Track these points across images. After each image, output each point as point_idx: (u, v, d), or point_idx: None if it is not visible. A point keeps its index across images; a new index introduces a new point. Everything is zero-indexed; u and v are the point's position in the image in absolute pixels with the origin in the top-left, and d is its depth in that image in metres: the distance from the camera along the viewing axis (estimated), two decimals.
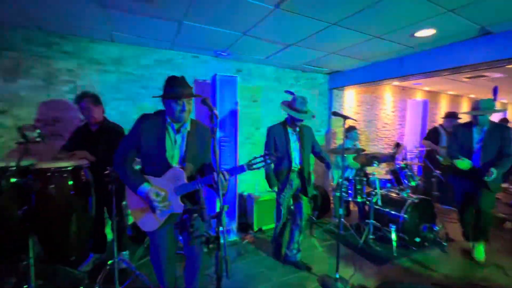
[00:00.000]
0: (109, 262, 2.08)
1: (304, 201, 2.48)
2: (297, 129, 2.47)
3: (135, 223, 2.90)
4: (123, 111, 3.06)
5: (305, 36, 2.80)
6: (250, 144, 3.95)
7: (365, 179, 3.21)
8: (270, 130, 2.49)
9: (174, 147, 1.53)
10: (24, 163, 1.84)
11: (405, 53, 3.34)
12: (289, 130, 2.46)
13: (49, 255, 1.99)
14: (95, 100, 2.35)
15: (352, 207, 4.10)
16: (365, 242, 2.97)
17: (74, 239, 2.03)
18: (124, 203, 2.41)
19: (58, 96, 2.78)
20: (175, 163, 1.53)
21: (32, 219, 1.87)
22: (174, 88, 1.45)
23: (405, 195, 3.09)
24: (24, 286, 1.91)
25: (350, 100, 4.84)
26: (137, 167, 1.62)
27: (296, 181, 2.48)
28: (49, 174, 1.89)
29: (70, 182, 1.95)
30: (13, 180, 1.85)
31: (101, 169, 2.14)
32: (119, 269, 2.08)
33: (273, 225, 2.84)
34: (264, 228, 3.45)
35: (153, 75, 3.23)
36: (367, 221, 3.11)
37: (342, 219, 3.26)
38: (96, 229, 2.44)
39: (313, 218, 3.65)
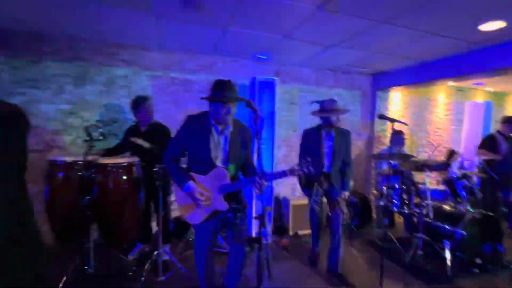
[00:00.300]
0: (154, 253, 2.24)
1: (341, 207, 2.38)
2: (332, 133, 2.40)
3: (177, 218, 3.10)
4: (169, 113, 3.30)
5: (348, 36, 2.69)
6: (286, 146, 3.92)
7: (413, 188, 2.93)
8: (304, 133, 2.53)
9: (217, 148, 1.59)
10: (88, 158, 2.10)
11: (464, 50, 2.99)
12: (323, 134, 2.41)
13: (105, 241, 2.23)
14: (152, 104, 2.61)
15: (397, 218, 3.78)
16: (413, 258, 2.70)
17: (126, 228, 2.24)
18: (171, 198, 2.59)
19: (116, 100, 3.12)
20: (219, 163, 1.59)
21: (93, 208, 2.12)
22: (221, 92, 1.50)
23: (462, 208, 2.74)
24: (85, 267, 2.17)
25: (396, 102, 4.49)
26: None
27: (325, 186, 2.42)
28: (108, 169, 2.12)
29: (125, 177, 2.17)
30: (79, 173, 2.13)
31: (149, 166, 2.34)
32: (162, 261, 2.23)
33: (309, 231, 2.76)
34: (300, 233, 3.37)
35: (196, 79, 3.42)
36: (415, 234, 2.83)
37: (386, 230, 3.02)
38: (143, 221, 2.65)
39: (353, 227, 3.45)
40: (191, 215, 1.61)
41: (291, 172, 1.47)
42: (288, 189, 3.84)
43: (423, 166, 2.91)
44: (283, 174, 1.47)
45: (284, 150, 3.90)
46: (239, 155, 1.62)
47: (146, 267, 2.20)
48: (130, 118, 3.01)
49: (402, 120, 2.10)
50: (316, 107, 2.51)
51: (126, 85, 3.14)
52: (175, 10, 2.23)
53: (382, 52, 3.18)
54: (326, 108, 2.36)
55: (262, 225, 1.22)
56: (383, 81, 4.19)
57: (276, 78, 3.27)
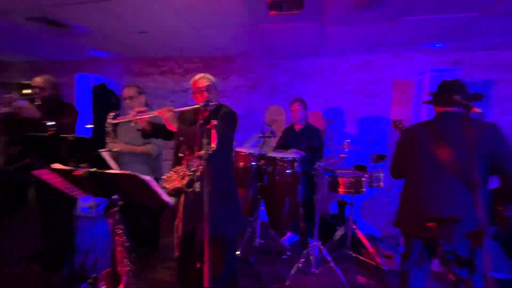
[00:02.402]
0: (310, 245, 2.38)
1: None
2: None
3: (323, 216, 3.18)
4: (320, 113, 3.44)
5: None
6: None
7: None
8: None
9: None
10: (261, 151, 2.54)
11: None
12: None
13: (270, 222, 2.63)
14: (304, 105, 2.83)
15: None
16: None
17: (286, 216, 2.53)
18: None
19: (276, 103, 3.62)
20: None
21: (262, 193, 2.54)
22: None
23: None
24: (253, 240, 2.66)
25: None
26: None
27: None
28: (276, 161, 2.47)
29: (288, 171, 2.45)
30: (254, 163, 2.61)
31: (304, 164, 2.50)
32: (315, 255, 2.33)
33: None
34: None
35: (349, 79, 3.37)
36: None
37: None
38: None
39: None
40: None
41: None
42: None
43: None
44: None
45: None
46: None
47: (302, 256, 2.37)
48: (286, 119, 3.41)
49: None
50: None
51: (285, 89, 3.57)
52: (344, 14, 2.27)
53: None
54: None
55: (477, 244, 0.98)
56: None
57: (455, 70, 2.62)
